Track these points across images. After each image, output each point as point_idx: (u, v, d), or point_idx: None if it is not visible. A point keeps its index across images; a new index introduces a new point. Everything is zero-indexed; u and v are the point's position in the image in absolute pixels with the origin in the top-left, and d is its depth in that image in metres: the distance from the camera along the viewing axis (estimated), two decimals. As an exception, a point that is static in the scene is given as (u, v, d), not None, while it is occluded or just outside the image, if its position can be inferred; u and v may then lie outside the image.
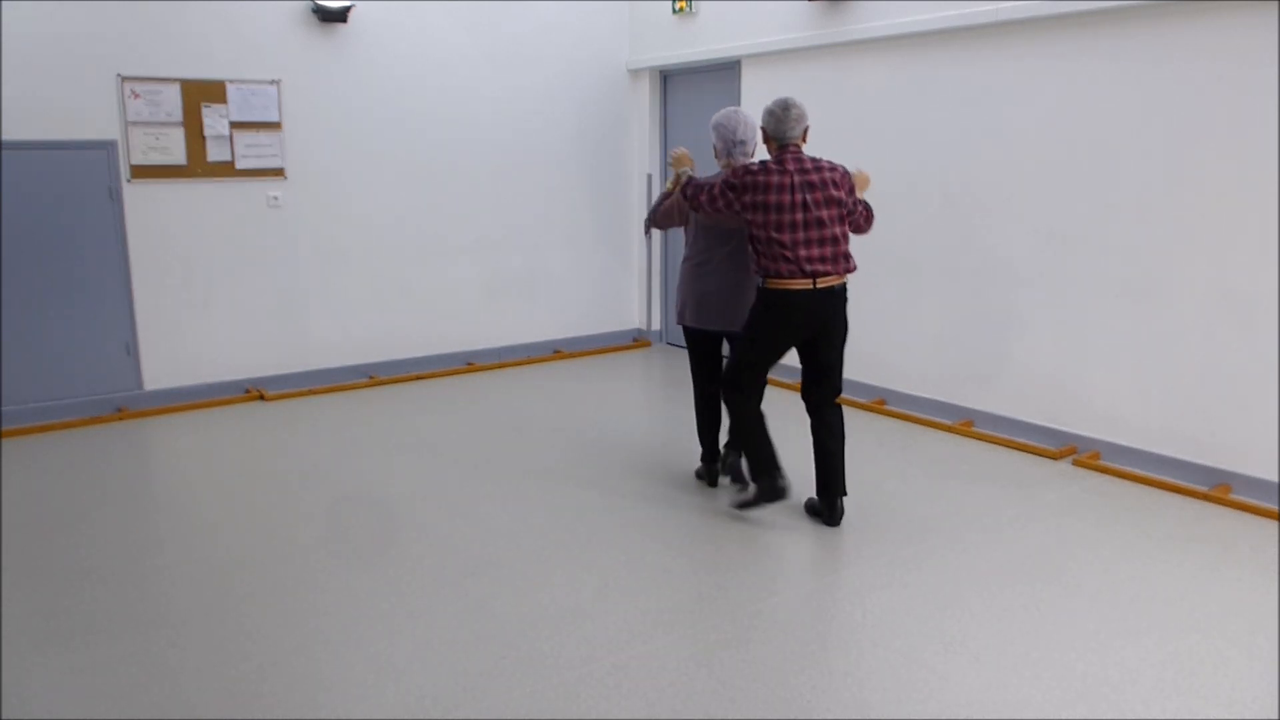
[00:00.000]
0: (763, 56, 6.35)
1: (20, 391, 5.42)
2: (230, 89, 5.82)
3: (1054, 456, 4.86)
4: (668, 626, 3.20)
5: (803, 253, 3.72)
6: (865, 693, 2.82)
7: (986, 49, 5.08)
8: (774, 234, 3.72)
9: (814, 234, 3.74)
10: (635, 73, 7.37)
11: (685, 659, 3.00)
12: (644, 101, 7.37)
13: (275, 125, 5.99)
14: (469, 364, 6.90)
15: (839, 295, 3.87)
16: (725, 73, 6.73)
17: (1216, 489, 4.33)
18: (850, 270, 3.85)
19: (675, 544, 3.86)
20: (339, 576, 3.59)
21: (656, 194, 7.54)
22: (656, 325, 7.73)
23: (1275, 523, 4.06)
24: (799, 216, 3.72)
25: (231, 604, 3.38)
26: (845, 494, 4.03)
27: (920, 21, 5.28)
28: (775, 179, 3.73)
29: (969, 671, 2.93)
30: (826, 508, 4.02)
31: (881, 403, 5.82)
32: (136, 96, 5.55)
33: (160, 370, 5.85)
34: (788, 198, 3.72)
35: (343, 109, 6.21)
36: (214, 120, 5.79)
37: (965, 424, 5.35)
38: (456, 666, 2.97)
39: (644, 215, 7.57)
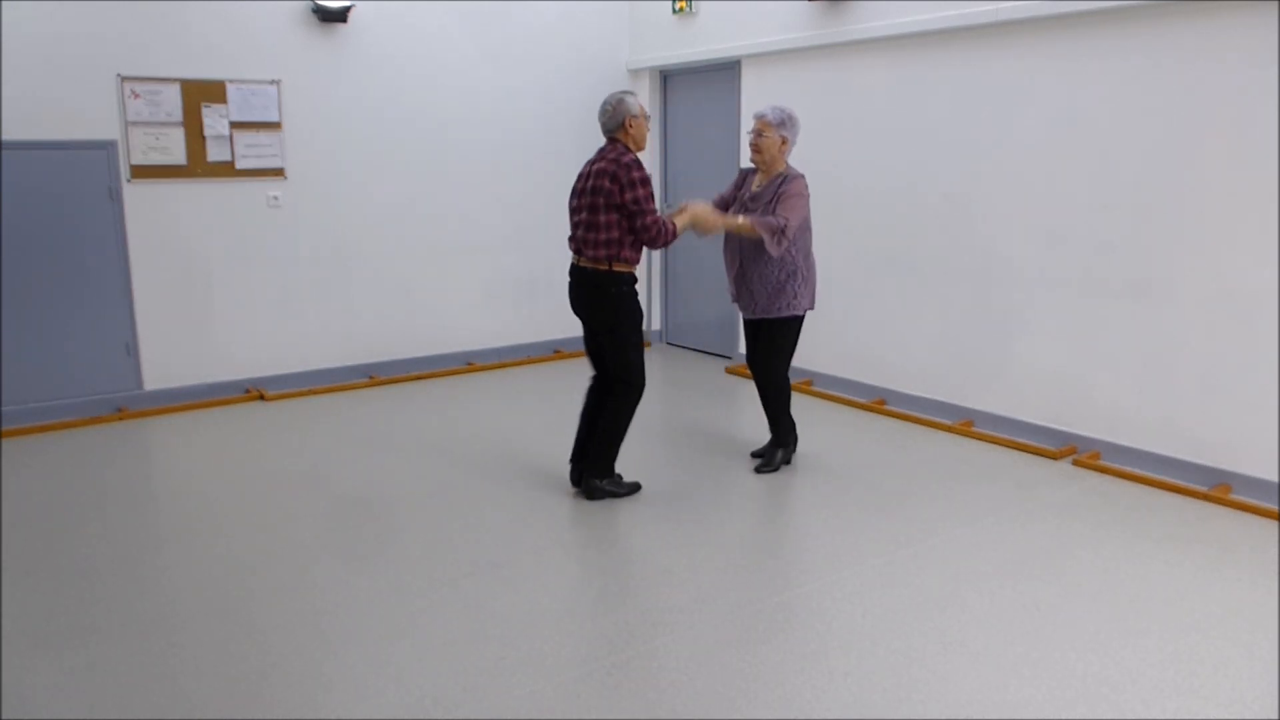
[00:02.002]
0: (763, 56, 6.35)
1: (20, 391, 5.43)
2: (230, 89, 5.82)
3: (1054, 456, 4.86)
4: (668, 626, 3.20)
5: (572, 232, 4.21)
6: (865, 693, 2.82)
7: (986, 49, 5.08)
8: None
9: (580, 218, 4.16)
10: (635, 73, 7.37)
11: (685, 659, 3.00)
12: (644, 101, 7.35)
13: (275, 125, 5.99)
14: (469, 364, 6.90)
15: (589, 277, 4.14)
16: (725, 73, 6.74)
17: (1216, 489, 4.33)
18: (600, 259, 4.08)
19: (675, 544, 3.86)
20: (339, 576, 3.59)
21: (658, 195, 7.54)
22: (657, 325, 7.73)
23: (1275, 523, 4.07)
24: (575, 202, 4.20)
25: (231, 604, 3.38)
26: (588, 472, 4.30)
27: (920, 21, 5.28)
28: (583, 169, 4.22)
29: (969, 671, 2.93)
30: (575, 474, 4.40)
31: (881, 403, 5.82)
32: (136, 96, 5.55)
33: (160, 370, 5.85)
34: (578, 184, 4.20)
35: (343, 109, 6.21)
36: (214, 120, 5.79)
37: (965, 424, 5.35)
38: (456, 666, 2.97)
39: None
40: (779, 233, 4.28)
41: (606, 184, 4.02)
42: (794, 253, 4.39)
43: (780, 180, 4.43)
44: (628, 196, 4.00)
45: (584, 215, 4.11)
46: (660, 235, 4.08)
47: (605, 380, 4.36)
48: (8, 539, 3.94)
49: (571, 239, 4.22)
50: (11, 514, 4.22)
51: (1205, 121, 4.26)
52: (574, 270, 4.24)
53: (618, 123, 4.09)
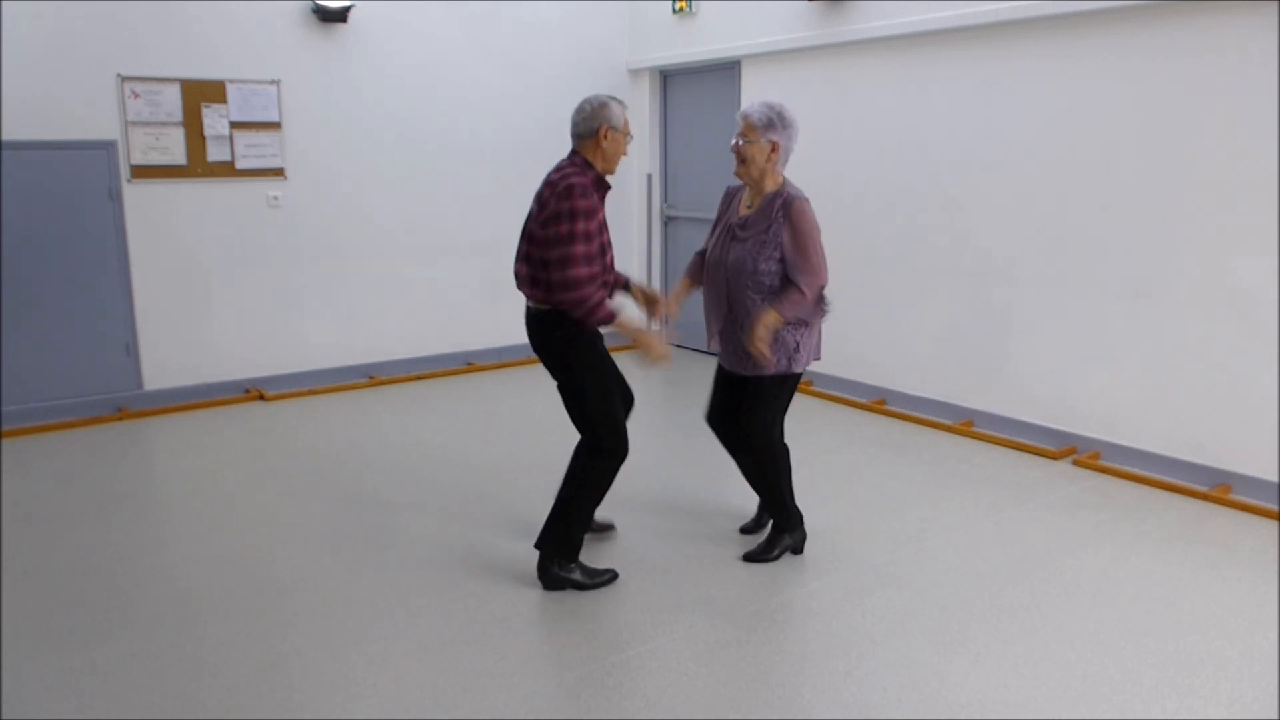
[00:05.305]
0: (763, 56, 6.35)
1: (20, 391, 5.42)
2: (230, 89, 5.82)
3: (1054, 456, 4.86)
4: (668, 626, 3.20)
5: (515, 265, 3.42)
6: (865, 693, 2.82)
7: (986, 49, 5.08)
8: None
9: (522, 247, 3.38)
10: (635, 73, 7.37)
11: (685, 659, 3.00)
12: (644, 101, 7.37)
13: (275, 125, 5.99)
14: (469, 364, 6.90)
15: (533, 319, 3.35)
16: (725, 73, 6.74)
17: (1216, 489, 4.33)
18: (541, 299, 3.28)
19: (675, 544, 3.86)
20: (339, 576, 3.59)
21: (658, 195, 7.54)
22: (656, 325, 7.72)
23: (1275, 523, 4.07)
24: (524, 227, 3.40)
25: (231, 604, 3.38)
26: (557, 574, 3.43)
27: (920, 21, 5.28)
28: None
29: (969, 671, 2.93)
30: (539, 574, 3.47)
31: (881, 403, 5.82)
32: (136, 96, 5.55)
33: (160, 370, 5.85)
34: (531, 207, 3.39)
35: (343, 109, 6.21)
36: (214, 120, 5.79)
37: (965, 424, 5.35)
38: (456, 666, 2.97)
39: (642, 217, 7.56)
40: (810, 298, 3.43)
41: (535, 208, 3.27)
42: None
43: (778, 204, 3.45)
44: (549, 230, 3.15)
45: (525, 247, 3.33)
46: (578, 302, 3.15)
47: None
48: (8, 539, 3.94)
49: (517, 275, 3.38)
50: (11, 514, 4.22)
51: (1205, 121, 4.26)
52: (527, 312, 3.40)
53: (591, 129, 3.30)
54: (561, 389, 3.43)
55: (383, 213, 6.47)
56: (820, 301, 3.50)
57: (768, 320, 3.38)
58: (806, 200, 3.46)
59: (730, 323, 3.57)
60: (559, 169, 3.33)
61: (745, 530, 4.00)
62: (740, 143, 3.47)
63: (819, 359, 3.69)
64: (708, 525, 4.06)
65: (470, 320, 6.95)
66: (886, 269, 5.77)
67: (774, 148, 3.45)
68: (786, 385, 3.58)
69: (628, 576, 3.57)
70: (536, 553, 3.52)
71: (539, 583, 3.46)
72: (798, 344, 3.49)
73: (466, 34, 6.60)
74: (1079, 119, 4.71)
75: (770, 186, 3.50)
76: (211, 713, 2.74)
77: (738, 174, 3.56)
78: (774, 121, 3.44)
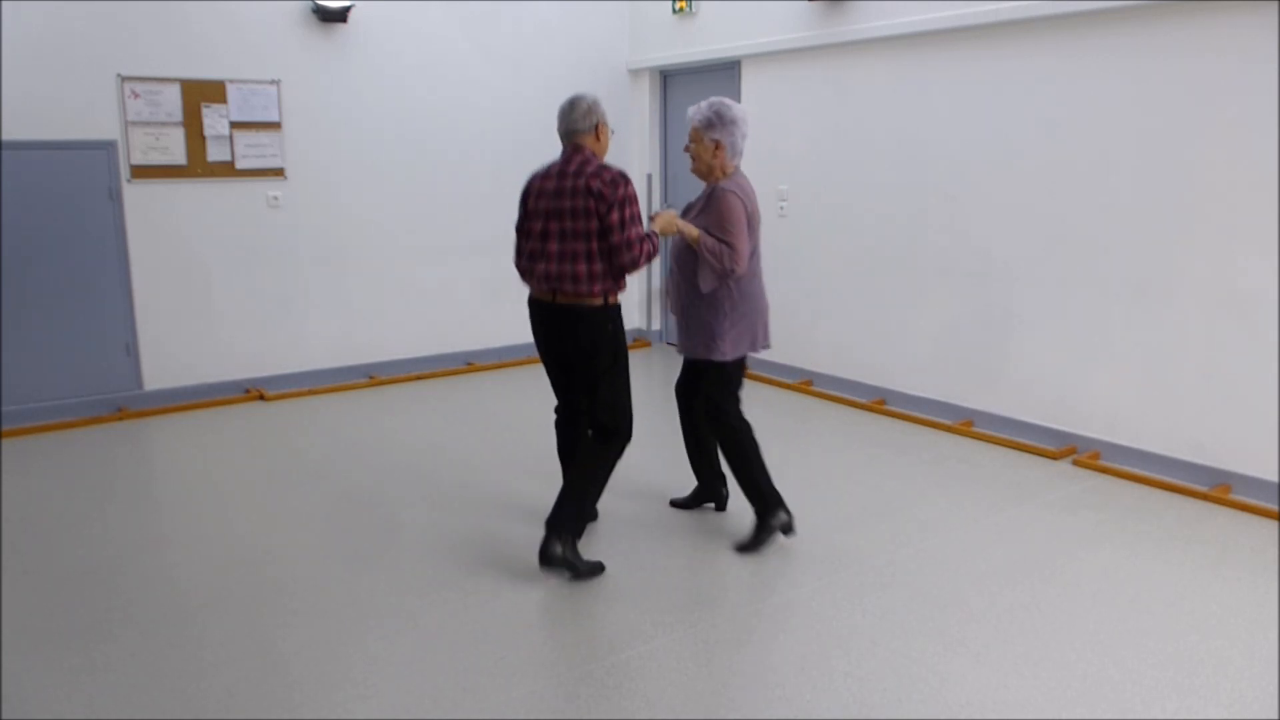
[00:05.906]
0: (763, 56, 6.35)
1: (20, 391, 5.42)
2: (230, 89, 5.82)
3: (1054, 456, 4.86)
4: (668, 626, 3.20)
5: (539, 266, 3.48)
6: (865, 693, 2.82)
7: (986, 49, 5.08)
8: (521, 239, 3.61)
9: (552, 246, 3.45)
10: (635, 73, 7.37)
11: (685, 659, 3.01)
12: (644, 101, 7.37)
13: (275, 125, 6.00)
14: (469, 364, 6.90)
15: (574, 316, 3.46)
16: (725, 73, 6.74)
17: (1216, 489, 4.33)
18: (594, 294, 3.41)
19: (675, 544, 3.86)
20: (339, 576, 3.59)
21: (657, 195, 7.54)
22: (656, 325, 7.73)
23: (1275, 523, 4.07)
24: (537, 225, 3.49)
25: (232, 604, 3.38)
26: (562, 555, 3.48)
27: (920, 21, 5.28)
28: (539, 183, 3.54)
29: (969, 671, 2.93)
30: (541, 551, 3.51)
31: (881, 403, 5.82)
32: (136, 96, 5.55)
33: (160, 370, 5.85)
34: (536, 203, 3.51)
35: (343, 109, 6.21)
36: (214, 120, 5.79)
37: (965, 424, 5.35)
38: (456, 666, 2.97)
39: (643, 217, 7.56)
40: (719, 256, 3.54)
41: (590, 203, 3.37)
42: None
43: (708, 192, 3.68)
44: (614, 217, 3.34)
45: (563, 245, 3.42)
46: (651, 253, 3.42)
47: (574, 410, 3.82)
48: (8, 539, 3.94)
49: (532, 271, 3.51)
50: (12, 514, 4.22)
51: (1205, 121, 4.26)
52: (543, 309, 3.54)
53: (590, 125, 3.48)
54: (591, 376, 3.54)
55: (383, 213, 6.47)
56: (727, 277, 3.60)
57: (682, 226, 3.59)
58: (735, 192, 3.60)
59: (676, 298, 3.81)
60: (582, 163, 3.45)
61: (675, 504, 4.25)
62: (689, 144, 3.70)
63: (761, 350, 3.82)
64: (708, 525, 4.06)
65: (470, 320, 6.95)
66: (886, 269, 5.77)
67: (718, 145, 3.63)
68: (725, 371, 3.73)
69: (628, 576, 3.57)
70: (536, 554, 3.54)
71: (538, 561, 3.51)
72: (715, 334, 3.65)
73: (466, 34, 6.60)
74: (1079, 119, 4.71)
75: (720, 179, 3.68)
76: (211, 713, 2.74)
77: (692, 171, 3.77)
78: (713, 121, 3.62)
